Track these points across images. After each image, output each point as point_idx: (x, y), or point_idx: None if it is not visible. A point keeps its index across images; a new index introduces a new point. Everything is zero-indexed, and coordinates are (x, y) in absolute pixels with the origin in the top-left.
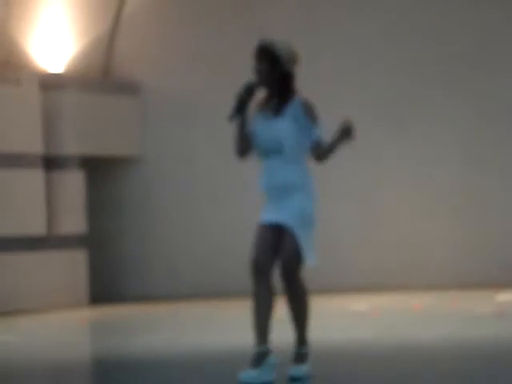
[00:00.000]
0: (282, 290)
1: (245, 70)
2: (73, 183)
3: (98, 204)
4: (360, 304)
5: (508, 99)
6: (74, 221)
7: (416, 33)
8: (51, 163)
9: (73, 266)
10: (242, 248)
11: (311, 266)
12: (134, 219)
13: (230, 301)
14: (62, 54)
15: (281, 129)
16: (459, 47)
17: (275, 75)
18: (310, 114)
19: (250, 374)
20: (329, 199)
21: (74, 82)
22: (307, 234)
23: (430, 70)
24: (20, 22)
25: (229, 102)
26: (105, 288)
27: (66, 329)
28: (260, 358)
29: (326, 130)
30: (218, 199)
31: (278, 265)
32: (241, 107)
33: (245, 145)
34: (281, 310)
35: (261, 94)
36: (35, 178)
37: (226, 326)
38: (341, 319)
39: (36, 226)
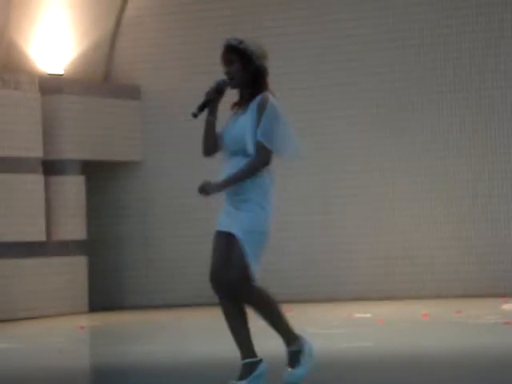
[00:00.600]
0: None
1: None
2: (73, 188)
3: (99, 209)
4: (365, 312)
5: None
6: (74, 226)
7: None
8: (51, 168)
9: (73, 272)
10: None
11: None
12: (134, 224)
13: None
14: (62, 57)
15: (240, 127)
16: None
17: (247, 74)
18: (259, 114)
19: None
20: (336, 207)
21: (74, 86)
22: (254, 245)
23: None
24: (20, 25)
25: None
26: (105, 295)
27: (64, 336)
28: (247, 369)
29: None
30: (220, 204)
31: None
32: (205, 105)
33: (210, 144)
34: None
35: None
36: (35, 182)
37: (228, 334)
38: (345, 327)
39: (36, 232)
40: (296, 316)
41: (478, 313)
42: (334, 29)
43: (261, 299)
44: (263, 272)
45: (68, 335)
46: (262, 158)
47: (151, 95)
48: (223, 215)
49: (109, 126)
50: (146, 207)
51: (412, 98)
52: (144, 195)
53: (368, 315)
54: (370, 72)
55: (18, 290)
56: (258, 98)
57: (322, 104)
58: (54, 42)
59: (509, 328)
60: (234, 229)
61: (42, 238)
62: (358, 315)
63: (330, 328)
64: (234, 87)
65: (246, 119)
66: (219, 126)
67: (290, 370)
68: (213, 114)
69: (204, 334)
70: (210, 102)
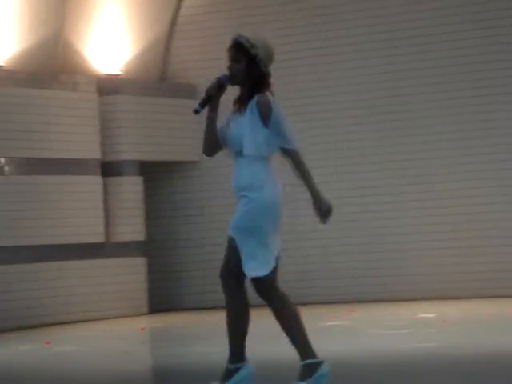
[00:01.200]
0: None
1: (300, 73)
2: (131, 189)
3: (157, 210)
4: (428, 312)
5: None
6: (132, 227)
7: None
8: (109, 169)
9: (132, 273)
10: (301, 256)
11: (259, 275)
12: (192, 225)
13: None
14: (118, 58)
15: (240, 127)
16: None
17: (252, 76)
18: (262, 114)
19: None
20: (396, 207)
21: (131, 86)
22: (255, 245)
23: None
24: (76, 26)
25: (285, 107)
26: (164, 296)
27: (124, 337)
28: (227, 373)
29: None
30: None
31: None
32: (207, 101)
33: (211, 141)
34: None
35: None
36: (93, 184)
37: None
38: (409, 328)
39: (94, 233)
40: (359, 317)
41: None
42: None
43: (281, 301)
44: (325, 271)
45: (129, 337)
46: (299, 159)
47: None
48: (233, 216)
49: (166, 126)
50: (204, 207)
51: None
52: (201, 195)
53: (432, 315)
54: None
55: (77, 292)
56: (256, 99)
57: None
58: (111, 42)
59: None
60: (233, 230)
61: (101, 239)
62: (421, 315)
63: (393, 328)
64: (234, 84)
65: (245, 120)
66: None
67: (297, 382)
68: (214, 110)
69: (261, 335)
70: (212, 98)
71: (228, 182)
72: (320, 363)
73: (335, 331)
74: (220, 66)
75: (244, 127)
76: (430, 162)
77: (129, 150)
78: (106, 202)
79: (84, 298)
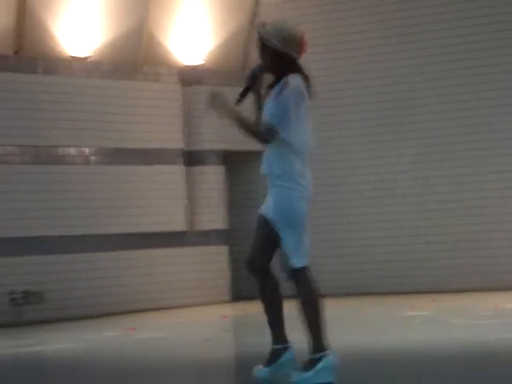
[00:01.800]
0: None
1: (388, 64)
2: (213, 178)
3: (239, 199)
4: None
5: None
6: (214, 216)
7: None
8: (192, 158)
9: (214, 261)
10: (388, 246)
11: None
12: None
13: (373, 299)
14: (200, 49)
15: (266, 111)
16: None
17: (275, 64)
18: (279, 90)
19: (261, 371)
20: (483, 197)
21: (213, 76)
22: (293, 233)
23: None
24: (159, 18)
25: (371, 96)
26: (246, 284)
27: (207, 325)
28: (272, 356)
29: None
30: (364, 195)
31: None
32: (245, 92)
33: (246, 92)
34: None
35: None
36: (176, 173)
37: (369, 325)
38: (493, 318)
39: (177, 222)
40: (442, 306)
41: None
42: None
43: (310, 292)
44: (407, 261)
45: (211, 324)
46: (264, 135)
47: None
48: (266, 200)
49: (248, 115)
50: None
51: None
52: None
53: None
54: None
55: (159, 280)
56: (280, 83)
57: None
58: (193, 33)
59: None
60: (272, 217)
61: (184, 228)
62: (505, 306)
63: (477, 319)
64: (265, 73)
65: (269, 105)
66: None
67: (300, 372)
68: (257, 101)
69: (343, 325)
70: (249, 89)
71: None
72: (326, 355)
73: (417, 321)
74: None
75: (267, 111)
76: None
77: (211, 140)
78: (188, 191)
79: (167, 286)
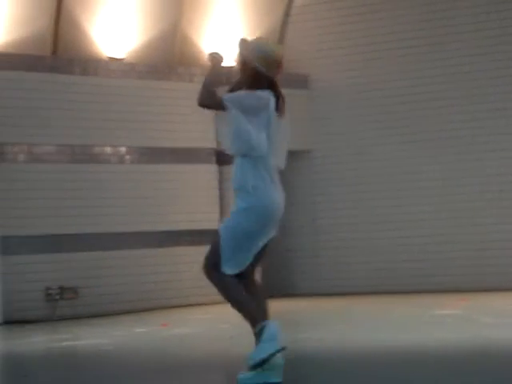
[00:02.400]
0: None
1: (414, 65)
2: None
3: None
4: None
5: None
6: None
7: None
8: (224, 158)
9: None
10: (417, 244)
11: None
12: (304, 213)
13: (402, 297)
14: (233, 49)
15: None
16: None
17: (245, 73)
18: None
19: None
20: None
21: None
22: (233, 242)
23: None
24: (192, 19)
25: (398, 96)
26: (277, 281)
27: (235, 322)
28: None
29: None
30: (390, 193)
31: None
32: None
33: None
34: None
35: None
36: (209, 172)
37: (398, 323)
38: None
39: (210, 220)
40: (472, 305)
41: None
42: None
43: (220, 285)
44: (434, 260)
45: (238, 321)
46: (205, 96)
47: (320, 84)
48: None
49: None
50: (316, 195)
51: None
52: (313, 183)
53: None
54: None
55: (191, 277)
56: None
57: None
58: (226, 34)
59: None
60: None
61: (216, 226)
62: None
63: (509, 317)
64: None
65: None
66: None
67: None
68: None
69: (372, 322)
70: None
71: (340, 170)
72: (264, 325)
73: (448, 320)
74: (333, 56)
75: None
76: None
77: None
78: (221, 189)
79: (199, 283)
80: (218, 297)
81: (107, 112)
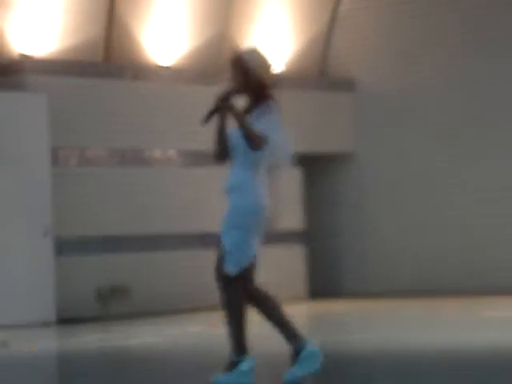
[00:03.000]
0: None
1: (460, 69)
2: (290, 180)
3: (315, 200)
4: None
5: None
6: (292, 217)
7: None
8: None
9: (291, 260)
10: (460, 246)
11: (231, 272)
12: (350, 215)
13: (447, 299)
14: (280, 54)
15: (236, 136)
16: None
17: (251, 84)
18: (262, 117)
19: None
20: None
21: (291, 81)
22: (237, 236)
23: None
24: (240, 25)
25: (442, 102)
26: (323, 283)
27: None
28: (231, 364)
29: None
30: (433, 196)
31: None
32: (213, 112)
33: (220, 149)
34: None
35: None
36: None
37: (444, 325)
38: None
39: None
40: None
41: None
42: None
43: (232, 299)
44: (480, 263)
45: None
46: (261, 140)
47: (365, 88)
48: None
49: (324, 119)
50: (361, 197)
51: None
52: (358, 186)
53: None
54: None
55: None
56: (262, 108)
57: None
58: (273, 39)
59: None
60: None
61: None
62: None
63: None
64: (236, 94)
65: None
66: None
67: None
68: (222, 124)
69: (420, 324)
70: (218, 110)
71: (385, 172)
72: (244, 358)
73: (497, 322)
74: (379, 59)
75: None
76: None
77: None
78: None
79: None
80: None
81: (157, 116)
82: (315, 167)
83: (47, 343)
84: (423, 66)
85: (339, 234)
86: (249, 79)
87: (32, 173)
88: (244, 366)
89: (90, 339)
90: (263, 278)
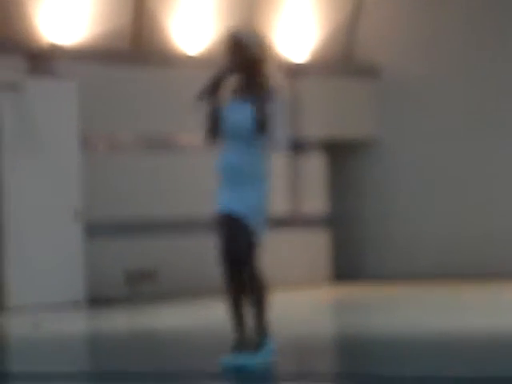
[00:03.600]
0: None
1: (487, 55)
2: (315, 166)
3: (340, 186)
4: None
5: None
6: (316, 202)
7: None
8: (295, 146)
9: (316, 245)
10: (482, 231)
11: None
12: (374, 200)
13: (469, 283)
14: (305, 42)
15: (246, 113)
16: None
17: (246, 62)
18: (274, 109)
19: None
20: None
21: (317, 68)
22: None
23: None
24: (264, 14)
25: (467, 88)
26: (347, 267)
27: (309, 306)
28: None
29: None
30: (456, 182)
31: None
32: (209, 89)
33: (214, 128)
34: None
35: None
36: (279, 159)
37: (466, 309)
38: None
39: (281, 207)
40: None
41: None
42: None
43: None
44: (503, 247)
45: (312, 306)
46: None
47: (391, 75)
48: (224, 197)
49: (349, 106)
50: (385, 184)
51: None
52: (382, 172)
53: None
54: None
55: (265, 262)
56: (269, 88)
57: None
58: (298, 27)
59: None
60: (239, 209)
61: (287, 212)
62: None
63: None
64: (232, 73)
65: (249, 107)
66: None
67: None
68: (215, 99)
69: (442, 308)
70: (213, 87)
71: (409, 159)
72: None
73: None
74: (404, 46)
75: (249, 113)
76: None
77: (313, 128)
78: (292, 177)
79: (270, 267)
80: (289, 282)
81: (183, 103)
82: (340, 153)
83: (77, 324)
84: (448, 53)
85: (364, 219)
86: (244, 57)
87: (62, 158)
88: (268, 346)
89: (118, 322)
90: (289, 262)
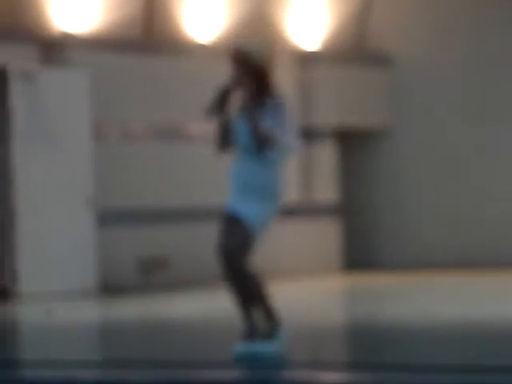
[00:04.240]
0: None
1: (498, 43)
2: (327, 154)
3: (351, 174)
4: None
5: None
6: (327, 190)
7: None
8: (306, 134)
9: (327, 234)
10: (495, 219)
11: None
12: (385, 189)
13: (482, 271)
14: (318, 30)
15: (249, 127)
16: None
17: (251, 74)
18: (281, 117)
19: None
20: None
21: (329, 57)
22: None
23: None
24: (277, 1)
25: (480, 77)
26: (358, 256)
27: (319, 294)
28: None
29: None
30: (469, 171)
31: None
32: (217, 104)
33: (225, 141)
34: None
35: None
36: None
37: (476, 297)
38: None
39: (292, 196)
40: None
41: None
42: None
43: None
44: None
45: (323, 294)
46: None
47: (403, 63)
48: (233, 201)
49: (361, 95)
50: (396, 172)
51: None
52: (394, 161)
53: None
54: None
55: (276, 250)
56: (275, 100)
57: None
58: (310, 15)
59: None
60: (243, 212)
61: (298, 201)
62: None
63: None
64: (236, 87)
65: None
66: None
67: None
68: (224, 112)
69: (453, 297)
70: (220, 102)
71: (420, 146)
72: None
73: None
74: (417, 33)
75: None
76: None
77: (324, 116)
78: (303, 165)
79: (282, 256)
80: (300, 269)
81: (195, 92)
82: (352, 141)
83: (89, 312)
84: (461, 41)
85: (375, 208)
86: (248, 68)
87: (75, 147)
88: (280, 335)
89: (130, 309)
90: (300, 251)
